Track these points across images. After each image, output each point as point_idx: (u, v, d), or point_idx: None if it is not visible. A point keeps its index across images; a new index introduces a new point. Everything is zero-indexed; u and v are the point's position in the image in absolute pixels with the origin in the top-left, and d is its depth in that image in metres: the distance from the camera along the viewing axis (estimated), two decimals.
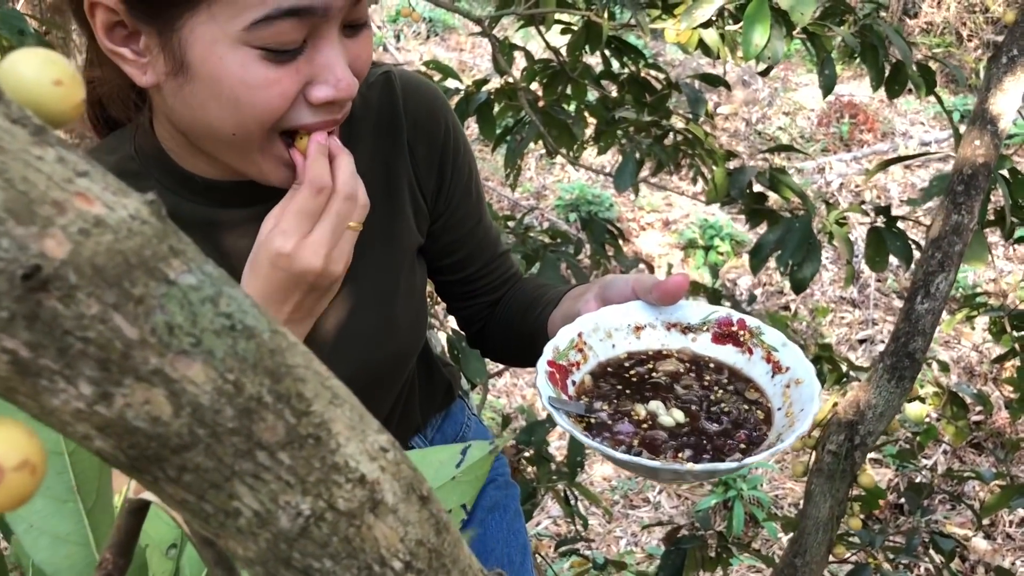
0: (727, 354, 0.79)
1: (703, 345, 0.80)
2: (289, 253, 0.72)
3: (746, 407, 0.75)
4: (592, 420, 0.73)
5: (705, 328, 0.81)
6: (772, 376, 0.76)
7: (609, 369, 0.77)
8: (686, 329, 0.81)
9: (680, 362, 0.79)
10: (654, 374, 0.78)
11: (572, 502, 2.07)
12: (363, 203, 0.76)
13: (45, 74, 0.23)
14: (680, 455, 0.69)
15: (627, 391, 0.76)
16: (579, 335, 0.77)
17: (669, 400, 0.75)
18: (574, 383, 0.75)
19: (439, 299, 1.09)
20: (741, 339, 0.78)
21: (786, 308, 4.00)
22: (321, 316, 0.87)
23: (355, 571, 0.27)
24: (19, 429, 0.22)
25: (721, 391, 0.76)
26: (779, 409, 0.73)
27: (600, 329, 0.79)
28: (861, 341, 3.82)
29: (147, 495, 0.32)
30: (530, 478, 1.92)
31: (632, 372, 0.77)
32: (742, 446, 0.70)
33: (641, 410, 0.73)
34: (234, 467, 0.24)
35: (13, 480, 0.20)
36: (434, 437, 1.08)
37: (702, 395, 0.76)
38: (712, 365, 0.79)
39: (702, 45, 1.73)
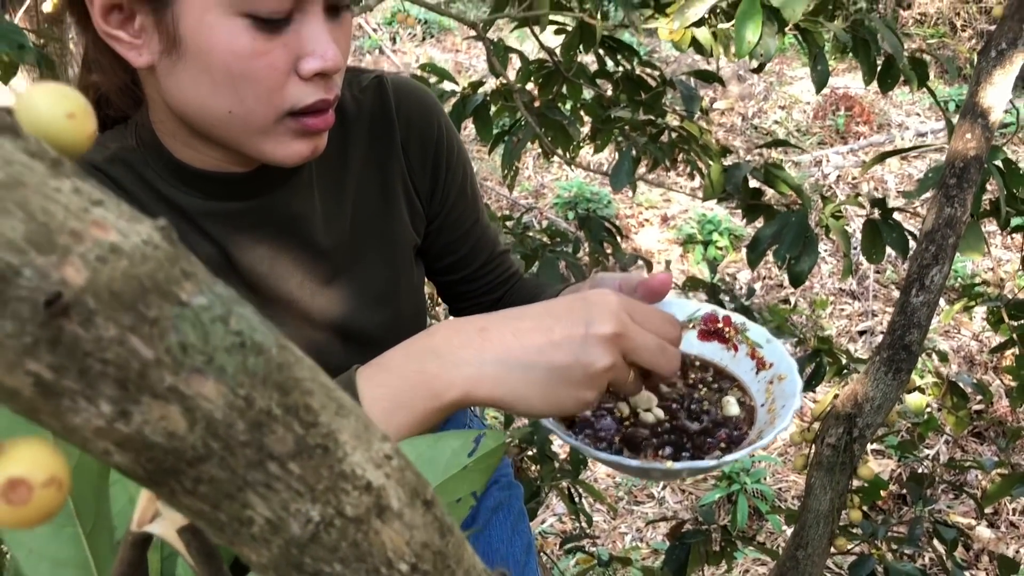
0: (713, 351, 0.80)
1: (689, 342, 0.81)
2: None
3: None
4: (576, 417, 0.74)
5: (691, 325, 0.81)
6: (756, 373, 0.77)
7: None
8: None
9: None
10: None
11: (576, 499, 2.08)
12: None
13: (59, 108, 0.24)
14: (660, 452, 0.70)
15: (611, 388, 0.77)
16: None
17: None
18: None
19: (440, 302, 1.10)
20: (726, 335, 0.79)
21: (785, 301, 4.01)
22: (325, 317, 0.88)
23: (364, 574, 0.28)
24: (45, 447, 0.23)
25: (705, 389, 0.77)
26: (762, 406, 0.74)
27: None
28: (861, 332, 3.83)
29: (149, 528, 0.32)
30: (534, 477, 1.93)
31: None
32: (722, 445, 0.71)
33: (624, 407, 0.75)
34: (246, 477, 0.25)
35: (42, 496, 0.22)
36: None
37: (686, 393, 0.77)
38: (698, 363, 0.80)
39: (695, 43, 1.74)
